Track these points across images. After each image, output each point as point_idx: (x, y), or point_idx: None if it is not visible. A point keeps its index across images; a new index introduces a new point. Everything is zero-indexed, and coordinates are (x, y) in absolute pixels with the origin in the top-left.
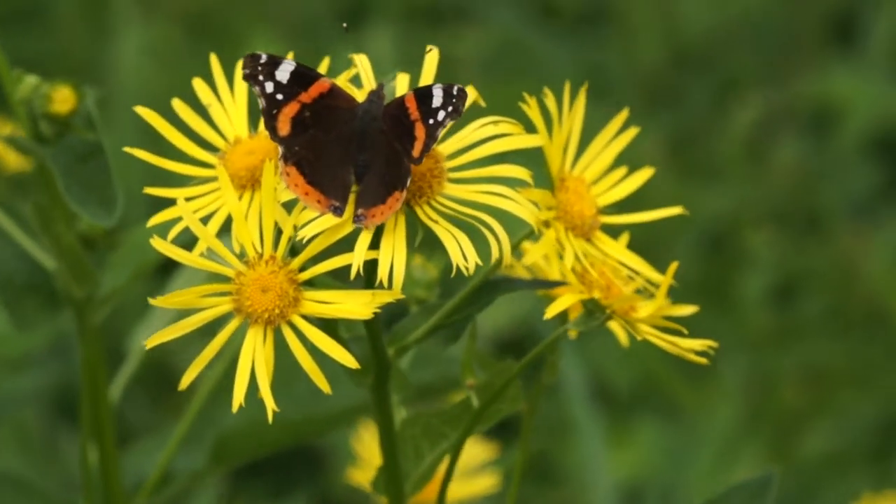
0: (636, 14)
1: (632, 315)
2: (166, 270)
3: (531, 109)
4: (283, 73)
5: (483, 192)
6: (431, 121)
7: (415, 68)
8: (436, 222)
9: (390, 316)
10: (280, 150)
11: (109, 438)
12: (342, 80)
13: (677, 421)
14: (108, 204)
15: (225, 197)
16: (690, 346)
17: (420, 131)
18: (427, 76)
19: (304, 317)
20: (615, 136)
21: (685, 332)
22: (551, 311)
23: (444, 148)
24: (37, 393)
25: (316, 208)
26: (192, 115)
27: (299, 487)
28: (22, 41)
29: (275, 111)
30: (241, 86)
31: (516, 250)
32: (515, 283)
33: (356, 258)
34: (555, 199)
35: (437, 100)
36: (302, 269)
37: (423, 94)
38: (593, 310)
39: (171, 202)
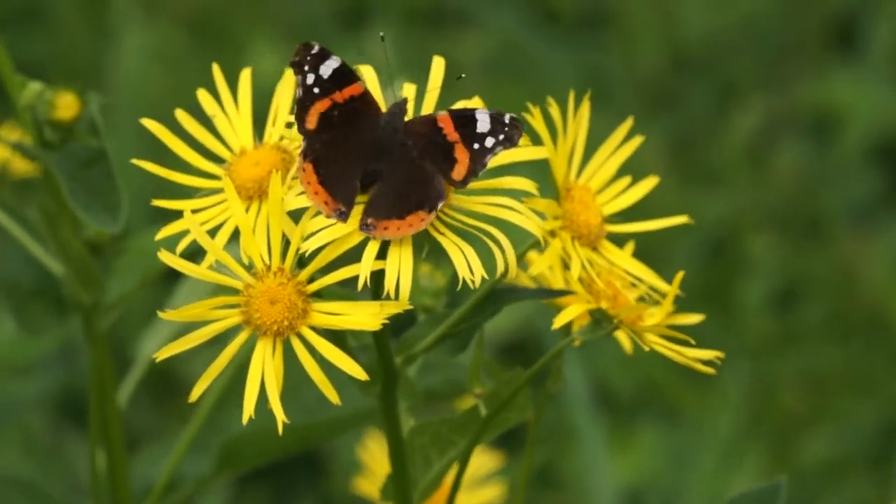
0: (636, 18)
1: (639, 324)
2: (172, 277)
3: (535, 120)
4: (327, 69)
5: (489, 204)
6: (477, 146)
7: (415, 71)
8: (442, 234)
9: (397, 324)
10: (302, 144)
11: (118, 444)
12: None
13: (679, 426)
14: (112, 210)
15: (232, 209)
16: (697, 356)
17: (462, 154)
18: (434, 82)
19: (313, 328)
20: (620, 145)
21: (693, 342)
22: (559, 322)
23: None
24: (41, 397)
25: (322, 209)
26: (197, 127)
27: (301, 491)
28: (23, 43)
29: (308, 104)
30: (246, 96)
31: (521, 260)
32: (521, 292)
33: (363, 269)
34: (561, 208)
35: (484, 125)
36: (310, 280)
37: (464, 117)
38: (600, 319)
39: (179, 211)
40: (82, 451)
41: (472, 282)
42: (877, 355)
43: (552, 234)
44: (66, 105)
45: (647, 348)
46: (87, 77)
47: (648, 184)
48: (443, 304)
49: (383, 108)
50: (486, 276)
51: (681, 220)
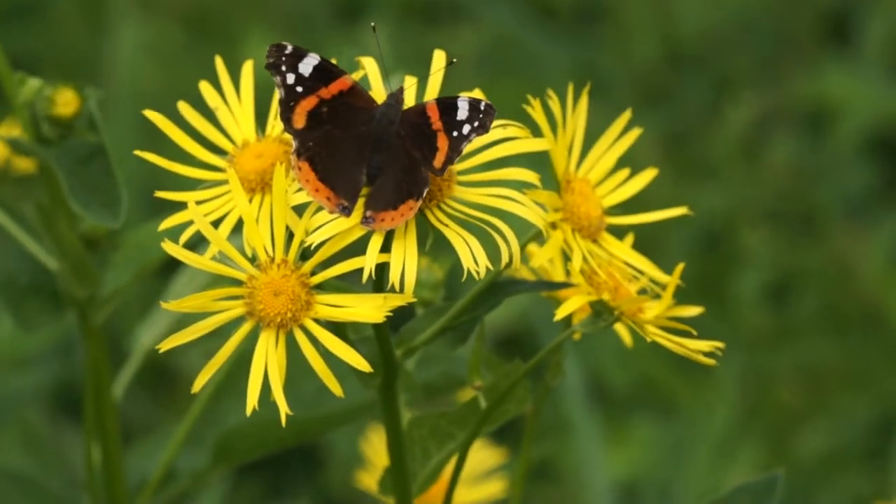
0: (631, 12)
1: (639, 316)
2: (167, 269)
3: (536, 112)
4: (307, 67)
5: (491, 195)
6: (455, 133)
7: (410, 64)
8: (446, 226)
9: (396, 317)
10: (294, 143)
11: (113, 437)
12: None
13: (674, 419)
14: (112, 206)
15: (236, 200)
16: (698, 348)
17: (443, 142)
18: (435, 76)
19: (316, 320)
20: (618, 138)
21: (694, 332)
22: (561, 314)
23: None
24: (38, 391)
25: (325, 205)
26: (199, 119)
27: (297, 484)
28: (19, 38)
29: (292, 103)
30: (248, 88)
31: (522, 252)
32: (522, 284)
33: (368, 262)
34: (561, 200)
35: (463, 112)
36: (313, 272)
37: (448, 105)
38: (601, 311)
39: (174, 204)
40: (79, 444)
41: (477, 273)
42: (872, 349)
43: (553, 226)
44: (65, 101)
45: (648, 339)
46: (82, 71)
47: (647, 176)
48: (441, 296)
49: (380, 101)
50: (490, 266)
51: (679, 211)
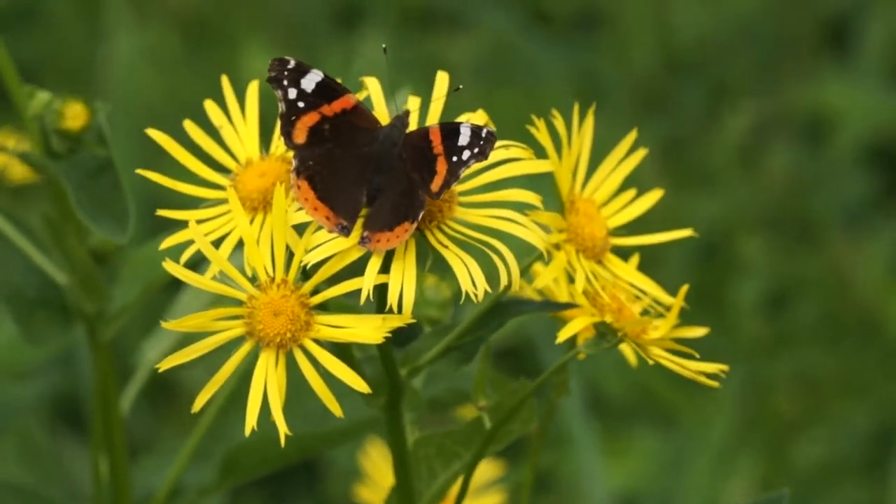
0: (629, 19)
1: (643, 338)
2: (174, 286)
3: (541, 133)
4: (309, 83)
5: (493, 217)
6: (455, 158)
7: (407, 71)
8: (446, 247)
9: (402, 335)
10: (294, 161)
11: (120, 452)
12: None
13: (672, 430)
14: (120, 220)
15: (236, 220)
16: (701, 369)
17: (441, 166)
18: (438, 96)
19: (316, 340)
20: (624, 158)
21: (697, 355)
22: (563, 335)
23: None
24: (37, 401)
25: (324, 224)
26: (203, 136)
27: (297, 497)
28: (16, 44)
29: (293, 118)
30: (253, 107)
31: (526, 273)
32: (526, 305)
33: (366, 283)
34: (565, 221)
35: (465, 138)
36: (313, 292)
37: (450, 130)
38: (605, 332)
39: (178, 221)
40: (79, 456)
41: (475, 295)
42: (870, 358)
43: (557, 247)
44: (74, 115)
45: (651, 362)
46: (79, 78)
47: (653, 197)
48: (450, 315)
49: (385, 121)
50: (489, 289)
51: (685, 233)
